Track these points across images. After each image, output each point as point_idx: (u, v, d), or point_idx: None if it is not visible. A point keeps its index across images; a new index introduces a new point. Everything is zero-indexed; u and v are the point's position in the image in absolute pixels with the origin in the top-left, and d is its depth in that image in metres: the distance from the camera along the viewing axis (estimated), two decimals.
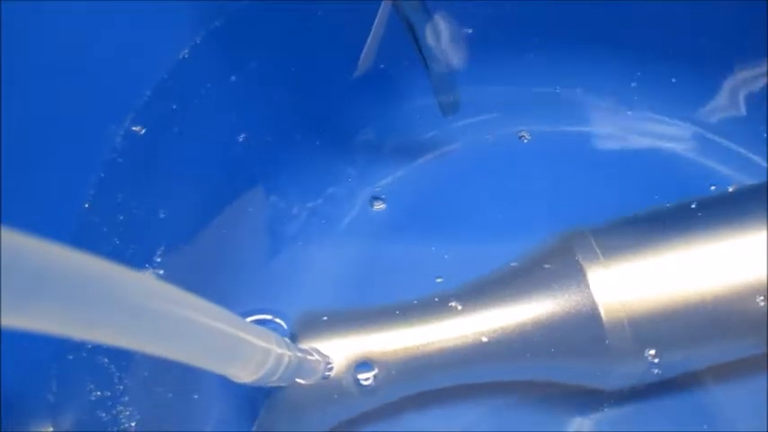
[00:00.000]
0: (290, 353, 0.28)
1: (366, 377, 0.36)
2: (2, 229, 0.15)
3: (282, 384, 0.29)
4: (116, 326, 0.19)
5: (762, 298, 0.35)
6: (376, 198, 0.45)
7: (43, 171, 0.36)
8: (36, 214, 0.35)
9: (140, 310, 0.20)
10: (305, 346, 0.35)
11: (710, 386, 0.40)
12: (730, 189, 0.40)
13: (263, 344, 0.26)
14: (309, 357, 0.32)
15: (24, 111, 0.34)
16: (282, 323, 0.38)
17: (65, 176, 0.37)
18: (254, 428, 0.38)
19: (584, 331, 0.36)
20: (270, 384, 0.28)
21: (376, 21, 0.38)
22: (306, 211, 0.45)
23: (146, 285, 0.20)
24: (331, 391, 0.36)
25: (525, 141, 0.46)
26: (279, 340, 0.28)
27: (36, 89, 0.35)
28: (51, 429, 0.35)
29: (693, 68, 0.45)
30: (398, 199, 0.46)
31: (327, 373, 0.35)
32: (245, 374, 0.26)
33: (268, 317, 0.39)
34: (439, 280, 0.41)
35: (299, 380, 0.32)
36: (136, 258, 0.38)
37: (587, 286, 0.36)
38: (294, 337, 0.36)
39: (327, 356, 0.35)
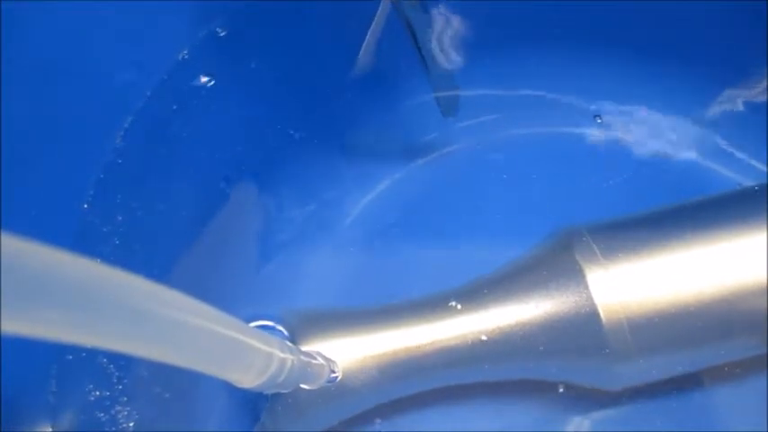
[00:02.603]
0: (293, 357, 0.28)
1: None
2: (1, 233, 0.15)
3: (286, 390, 0.29)
4: (116, 331, 0.19)
5: (761, 299, 0.35)
6: None
7: (43, 171, 0.36)
8: (36, 215, 0.35)
9: (140, 314, 0.20)
10: (305, 347, 0.35)
11: (710, 386, 0.40)
12: (730, 190, 0.40)
13: (265, 348, 0.26)
14: (313, 362, 0.32)
15: (24, 111, 0.34)
16: (283, 329, 0.38)
17: (64, 177, 0.37)
18: (255, 429, 0.38)
19: (584, 332, 0.36)
20: (273, 390, 0.28)
21: (374, 20, 0.37)
22: (304, 213, 0.45)
23: (146, 289, 0.20)
24: (331, 390, 0.36)
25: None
26: (282, 345, 0.27)
27: (35, 90, 0.35)
28: (50, 429, 0.35)
29: (694, 70, 0.45)
30: (397, 200, 0.46)
31: (333, 376, 0.35)
32: (248, 380, 0.26)
33: (269, 323, 0.39)
34: (438, 281, 0.41)
35: (303, 385, 0.32)
36: (135, 259, 0.38)
37: (586, 287, 0.36)
38: (294, 338, 0.36)
39: (333, 361, 0.35)
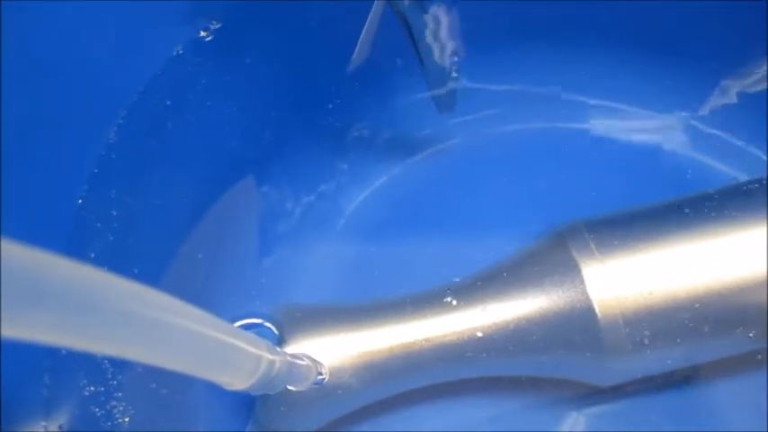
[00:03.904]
0: (280, 359, 0.28)
1: None
2: None
3: (273, 392, 0.29)
4: (107, 335, 0.19)
5: (759, 294, 0.35)
6: None
7: (37, 167, 0.36)
8: (30, 211, 0.35)
9: (132, 318, 0.19)
10: (296, 345, 0.35)
11: (707, 382, 0.40)
12: (727, 184, 0.40)
13: (254, 351, 0.26)
14: (300, 363, 0.32)
15: (17, 106, 0.34)
16: (272, 327, 0.38)
17: (58, 172, 0.37)
18: (248, 427, 0.38)
19: (579, 327, 0.36)
20: (261, 392, 0.28)
21: (370, 15, 0.37)
22: (300, 209, 0.45)
23: (137, 293, 0.20)
24: (327, 388, 0.36)
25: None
26: (270, 347, 0.27)
27: (29, 85, 0.35)
28: (44, 424, 0.35)
29: (692, 64, 0.45)
30: (394, 196, 0.46)
31: (321, 378, 0.34)
32: (237, 382, 0.26)
33: (258, 320, 0.39)
34: (434, 277, 0.41)
35: (290, 387, 0.32)
36: (130, 255, 0.38)
37: (582, 282, 0.36)
38: (285, 336, 0.36)
39: (319, 363, 0.34)
